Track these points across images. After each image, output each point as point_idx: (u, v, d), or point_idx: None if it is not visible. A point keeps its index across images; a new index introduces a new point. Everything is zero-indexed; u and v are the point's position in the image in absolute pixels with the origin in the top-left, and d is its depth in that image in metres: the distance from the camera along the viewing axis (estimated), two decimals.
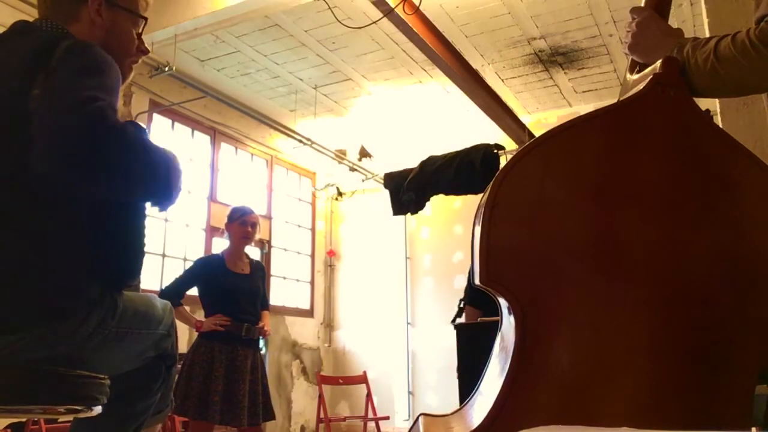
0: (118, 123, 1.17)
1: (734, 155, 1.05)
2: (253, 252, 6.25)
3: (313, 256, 7.55)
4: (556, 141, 1.04)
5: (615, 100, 1.16)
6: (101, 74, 1.23)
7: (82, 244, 1.29)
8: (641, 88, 1.08)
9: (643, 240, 1.00)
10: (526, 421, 0.82)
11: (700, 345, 0.98)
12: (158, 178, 1.24)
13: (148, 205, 1.35)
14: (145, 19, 1.50)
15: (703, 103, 1.13)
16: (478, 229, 1.01)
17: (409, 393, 6.86)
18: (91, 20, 1.41)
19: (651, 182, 1.02)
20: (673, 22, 1.25)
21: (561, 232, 1.01)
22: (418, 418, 1.17)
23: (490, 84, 5.49)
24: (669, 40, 1.15)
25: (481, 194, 1.07)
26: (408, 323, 7.02)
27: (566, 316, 0.99)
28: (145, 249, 1.40)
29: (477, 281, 1.01)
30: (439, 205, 6.29)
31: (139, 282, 1.43)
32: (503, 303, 1.06)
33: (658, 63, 1.10)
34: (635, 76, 1.21)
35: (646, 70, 1.15)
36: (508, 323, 1.05)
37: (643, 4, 1.25)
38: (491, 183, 1.03)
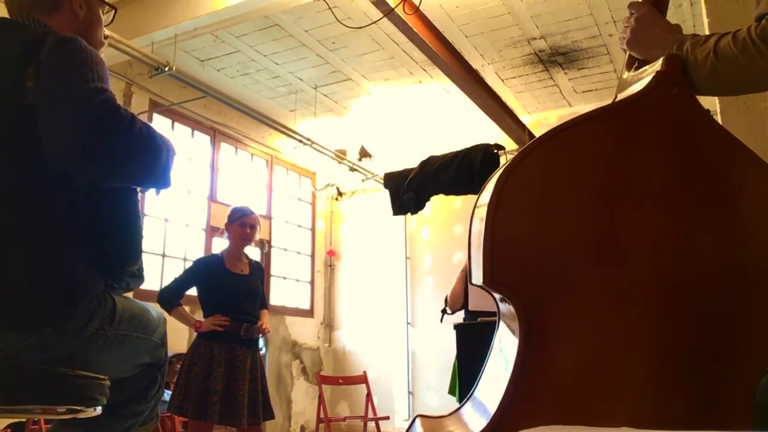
0: (127, 113, 1.22)
1: (738, 155, 1.04)
2: (253, 252, 6.25)
3: (313, 256, 7.54)
4: (559, 139, 1.03)
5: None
6: (96, 65, 1.25)
7: (79, 234, 1.30)
8: (644, 86, 1.07)
9: (646, 239, 0.99)
10: (531, 424, 0.81)
11: (704, 343, 0.98)
12: (162, 165, 1.30)
13: (152, 192, 1.40)
14: (116, 9, 1.58)
15: (704, 103, 1.13)
16: (479, 229, 1.00)
17: (409, 393, 6.86)
18: (73, 12, 1.44)
19: (654, 181, 1.01)
20: (673, 21, 1.25)
21: (564, 231, 1.00)
22: (414, 419, 1.15)
23: (490, 84, 5.49)
24: (668, 36, 1.13)
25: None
26: (408, 323, 7.02)
27: (570, 316, 0.98)
28: (143, 234, 1.43)
29: (479, 282, 0.99)
30: (439, 205, 6.28)
31: (142, 270, 1.44)
32: (503, 304, 1.05)
33: (660, 60, 1.08)
34: (633, 73, 1.19)
35: (646, 68, 1.13)
36: (508, 324, 1.05)
37: (641, 0, 1.23)
38: (493, 181, 1.02)
